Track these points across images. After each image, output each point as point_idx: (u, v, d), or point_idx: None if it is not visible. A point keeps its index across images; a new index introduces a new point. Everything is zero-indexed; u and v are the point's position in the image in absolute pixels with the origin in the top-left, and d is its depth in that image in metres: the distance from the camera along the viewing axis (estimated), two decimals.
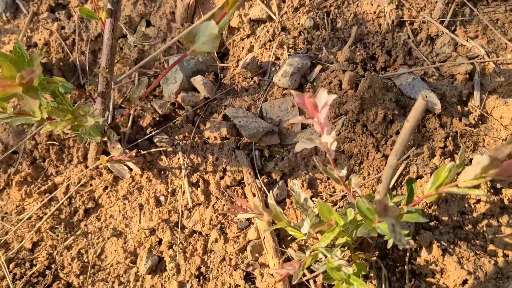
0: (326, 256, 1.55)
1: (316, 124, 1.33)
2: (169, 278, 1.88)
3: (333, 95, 1.26)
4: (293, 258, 1.81)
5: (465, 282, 1.69)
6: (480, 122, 2.05)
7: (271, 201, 1.66)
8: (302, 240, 1.86)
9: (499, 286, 1.68)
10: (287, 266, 1.55)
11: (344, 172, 1.44)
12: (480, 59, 2.11)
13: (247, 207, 1.57)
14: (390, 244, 1.56)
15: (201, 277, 1.86)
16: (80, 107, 1.55)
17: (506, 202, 1.89)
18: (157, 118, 2.21)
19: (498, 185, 1.91)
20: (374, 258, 1.75)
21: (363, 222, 1.49)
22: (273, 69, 2.26)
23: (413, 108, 1.12)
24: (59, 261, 1.96)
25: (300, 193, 1.69)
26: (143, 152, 2.12)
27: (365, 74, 2.05)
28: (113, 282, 1.90)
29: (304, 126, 2.11)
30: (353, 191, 1.60)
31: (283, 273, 1.54)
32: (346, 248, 1.70)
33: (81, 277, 1.92)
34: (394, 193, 1.95)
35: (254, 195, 1.93)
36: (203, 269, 1.87)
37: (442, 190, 1.45)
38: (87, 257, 1.98)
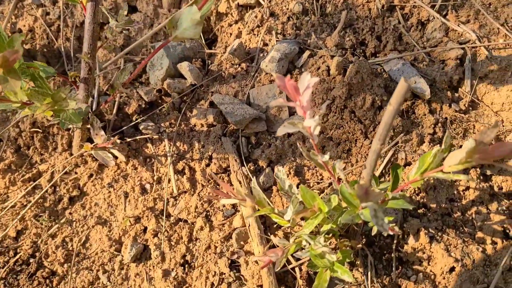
0: (309, 243, 1.53)
1: (298, 107, 1.30)
2: (154, 266, 1.85)
3: (316, 78, 1.23)
4: (278, 246, 1.79)
5: (452, 269, 1.66)
6: (470, 108, 2.01)
7: (254, 186, 1.63)
8: (288, 227, 1.84)
9: (487, 273, 1.66)
10: (270, 253, 1.52)
11: (327, 157, 1.41)
12: (471, 44, 2.07)
13: (230, 192, 1.55)
14: (374, 231, 1.54)
15: (186, 265, 1.84)
16: (60, 90, 1.52)
17: (495, 189, 1.86)
18: (143, 105, 2.18)
19: (488, 172, 1.88)
20: (360, 245, 1.73)
21: (348, 208, 1.46)
22: (261, 55, 2.22)
23: (395, 91, 1.08)
24: (43, 249, 1.94)
25: (285, 179, 1.66)
26: (128, 140, 2.09)
27: (353, 60, 2.01)
28: (98, 271, 1.88)
29: (292, 113, 2.08)
30: (338, 177, 1.57)
31: (265, 260, 1.51)
32: (331, 235, 1.68)
33: (65, 265, 1.90)
34: (382, 179, 1.93)
35: (239, 182, 1.90)
36: (188, 257, 1.85)
37: (427, 175, 1.42)
38: (72, 245, 1.95)
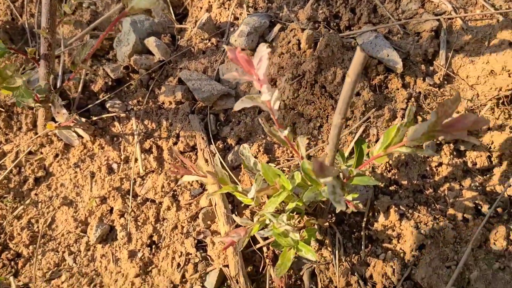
0: (273, 222, 1.48)
1: (255, 81, 1.24)
2: (120, 247, 1.81)
3: (268, 49, 1.17)
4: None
5: (422, 247, 1.63)
6: (445, 82, 1.95)
7: (217, 164, 1.58)
8: (256, 207, 1.79)
9: (457, 250, 1.62)
10: (232, 233, 1.48)
11: (286, 132, 1.35)
12: (447, 15, 1.99)
13: (192, 169, 1.50)
14: (339, 209, 1.49)
15: (153, 246, 1.80)
16: (7, 66, 1.45)
17: (469, 165, 1.81)
18: (110, 83, 2.11)
19: (462, 148, 1.83)
20: (327, 223, 1.68)
21: (312, 185, 1.42)
22: (232, 29, 2.15)
23: (353, 61, 1.02)
24: (8, 231, 1.89)
25: (250, 156, 1.61)
26: (94, 118, 2.02)
27: (323, 32, 1.94)
28: (64, 252, 1.84)
29: None
30: (302, 154, 1.52)
31: (227, 241, 1.47)
32: (295, 213, 1.63)
33: (30, 247, 1.85)
34: (353, 156, 1.87)
35: (206, 160, 1.85)
36: (155, 238, 1.81)
37: (390, 150, 1.37)
38: (37, 227, 1.91)
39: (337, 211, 1.49)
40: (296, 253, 1.52)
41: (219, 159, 1.79)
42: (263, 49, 1.18)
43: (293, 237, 1.47)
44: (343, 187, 1.53)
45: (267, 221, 1.53)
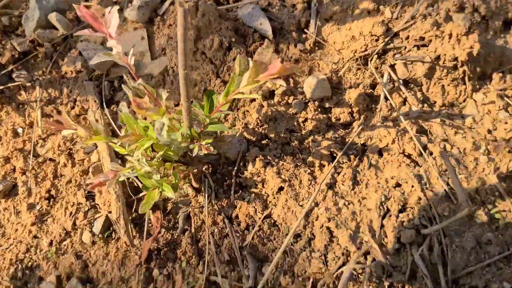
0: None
1: (108, 38, 1.44)
2: (20, 201, 2.00)
3: (116, 6, 1.37)
4: None
5: (281, 189, 1.84)
6: (316, 48, 2.17)
7: (92, 119, 1.77)
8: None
9: (310, 192, 1.84)
10: (101, 175, 1.67)
11: (139, 82, 1.55)
12: None
13: (65, 123, 1.69)
14: (195, 152, 1.69)
15: (51, 199, 1.99)
16: None
17: (333, 120, 2.04)
18: (17, 56, 2.29)
19: (327, 105, 2.06)
20: (196, 170, 1.89)
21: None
22: (130, 5, 2.34)
23: (178, 17, 1.23)
24: None
25: (127, 113, 1.81)
26: (1, 87, 2.21)
27: (199, 4, 2.15)
28: None
29: (155, 57, 2.21)
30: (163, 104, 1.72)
31: (96, 181, 1.67)
32: (161, 159, 1.83)
33: None
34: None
35: (97, 121, 2.04)
36: (53, 192, 2.00)
37: (230, 97, 1.59)
38: None
39: (193, 154, 1.68)
40: (160, 193, 1.73)
41: (93, 114, 1.97)
42: (112, 9, 1.39)
43: (155, 178, 1.68)
44: (200, 134, 1.75)
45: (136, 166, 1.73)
